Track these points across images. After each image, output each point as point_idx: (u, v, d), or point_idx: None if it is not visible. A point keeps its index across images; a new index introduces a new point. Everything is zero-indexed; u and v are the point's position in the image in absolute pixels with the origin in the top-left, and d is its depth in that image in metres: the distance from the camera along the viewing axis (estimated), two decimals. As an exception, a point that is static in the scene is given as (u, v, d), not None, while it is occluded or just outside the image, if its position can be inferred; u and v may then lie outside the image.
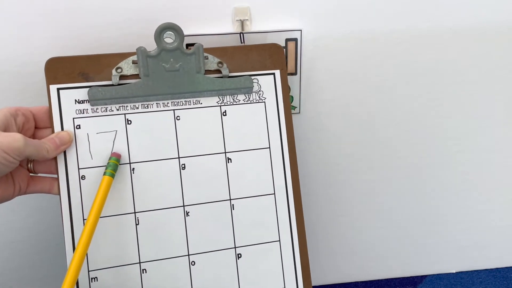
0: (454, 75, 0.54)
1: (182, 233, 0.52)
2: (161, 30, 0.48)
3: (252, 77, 0.54)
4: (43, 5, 0.50)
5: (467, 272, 0.67)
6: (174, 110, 0.52)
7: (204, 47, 0.50)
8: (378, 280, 0.66)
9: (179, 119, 0.52)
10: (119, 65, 0.50)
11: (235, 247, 0.54)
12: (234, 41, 0.51)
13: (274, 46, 0.54)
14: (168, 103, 0.52)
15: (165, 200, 0.52)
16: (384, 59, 0.52)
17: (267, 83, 0.54)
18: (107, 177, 0.46)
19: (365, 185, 0.61)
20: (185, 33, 0.50)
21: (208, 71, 0.53)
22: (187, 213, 0.52)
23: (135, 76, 0.51)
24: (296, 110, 0.54)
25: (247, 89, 0.53)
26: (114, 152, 0.49)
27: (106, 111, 0.50)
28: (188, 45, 0.53)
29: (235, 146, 0.54)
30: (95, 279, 0.49)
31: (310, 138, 0.57)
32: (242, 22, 0.48)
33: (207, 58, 0.52)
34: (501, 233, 0.66)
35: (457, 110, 0.57)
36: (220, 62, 0.53)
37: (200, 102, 0.53)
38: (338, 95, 0.54)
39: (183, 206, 0.52)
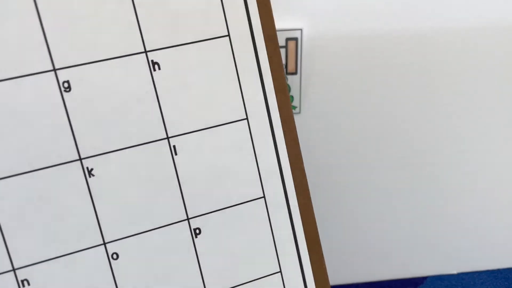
0: (455, 75, 0.55)
1: (86, 204, 0.28)
2: None
3: None
4: None
5: (468, 273, 0.67)
6: (27, -26, 0.26)
7: None
8: (379, 281, 0.66)
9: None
10: None
11: (188, 219, 0.30)
12: None
13: None
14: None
15: (48, 156, 0.27)
16: (384, 59, 0.53)
17: None
18: None
19: (366, 185, 0.60)
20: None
21: None
22: (90, 172, 0.28)
23: None
24: (297, 110, 0.54)
25: None
26: None
27: None
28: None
29: (163, 39, 0.29)
30: None
31: (311, 138, 0.56)
32: None
33: None
34: (502, 234, 0.67)
35: (457, 110, 0.57)
36: None
37: None
38: (338, 94, 0.54)
39: (80, 159, 0.28)
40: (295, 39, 0.50)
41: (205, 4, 0.29)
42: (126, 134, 0.29)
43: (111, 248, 0.29)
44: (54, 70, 0.27)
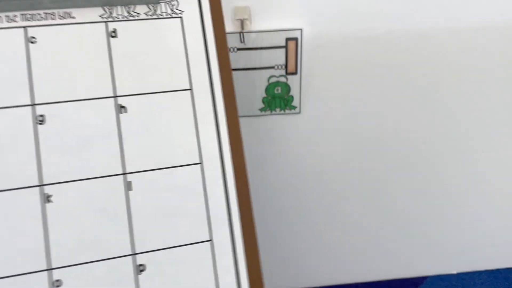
0: (455, 75, 0.55)
1: (37, 228, 0.30)
2: None
3: (159, -21, 0.34)
4: None
5: (468, 273, 0.68)
6: (25, 27, 0.32)
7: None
8: (379, 281, 0.67)
9: (34, 41, 0.31)
10: None
11: (133, 254, 0.31)
12: (234, 41, 0.49)
13: None
14: (15, 16, 0.31)
15: (12, 179, 0.30)
16: (384, 59, 0.53)
17: (183, -12, 0.34)
18: None
19: (366, 185, 0.61)
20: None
21: (85, -32, 0.33)
22: (48, 199, 0.30)
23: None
24: (297, 110, 0.54)
25: (149, -6, 0.33)
26: None
27: None
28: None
29: (131, 86, 0.33)
30: None
31: (311, 137, 0.56)
32: (242, 21, 0.48)
33: None
34: (502, 234, 0.67)
35: (457, 110, 0.58)
36: (104, -46, 0.33)
37: (72, 15, 0.32)
38: (338, 94, 0.54)
39: (41, 185, 0.30)
40: (295, 39, 0.49)
41: (172, 61, 0.34)
42: (87, 166, 0.31)
43: (56, 274, 0.30)
44: (33, 105, 0.31)
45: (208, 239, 0.32)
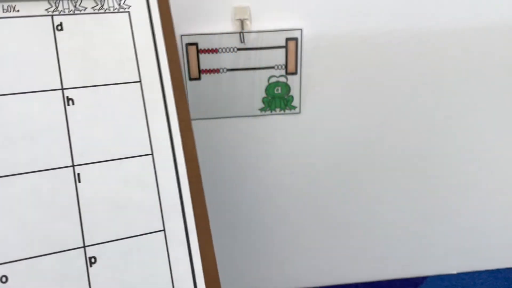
0: (455, 75, 0.56)
1: None
2: None
3: (106, -26, 0.34)
4: None
5: (468, 273, 0.68)
6: (-34, 20, 0.31)
7: (202, 47, 0.44)
8: (379, 281, 0.67)
9: (-24, 34, 0.31)
10: None
11: (84, 247, 0.31)
12: (234, 41, 0.48)
13: None
14: (-45, 9, 0.31)
15: None
16: (384, 59, 0.53)
17: (130, -16, 0.35)
18: None
19: (365, 185, 0.61)
20: (185, 32, 0.48)
21: (29, -37, 0.33)
22: None
23: None
24: (297, 110, 0.54)
25: (95, -12, 0.33)
26: None
27: None
28: (187, 44, 0.47)
29: (79, 79, 0.33)
30: None
31: (310, 137, 0.57)
32: (242, 22, 0.48)
33: None
34: (502, 234, 0.67)
35: (457, 110, 0.58)
36: (49, -50, 0.33)
37: (16, 9, 0.32)
38: (338, 94, 0.55)
39: None
40: (295, 39, 0.50)
41: (121, 55, 0.34)
42: (33, 159, 0.31)
43: (0, 270, 0.29)
44: (-25, 98, 0.31)
45: (161, 229, 0.32)
